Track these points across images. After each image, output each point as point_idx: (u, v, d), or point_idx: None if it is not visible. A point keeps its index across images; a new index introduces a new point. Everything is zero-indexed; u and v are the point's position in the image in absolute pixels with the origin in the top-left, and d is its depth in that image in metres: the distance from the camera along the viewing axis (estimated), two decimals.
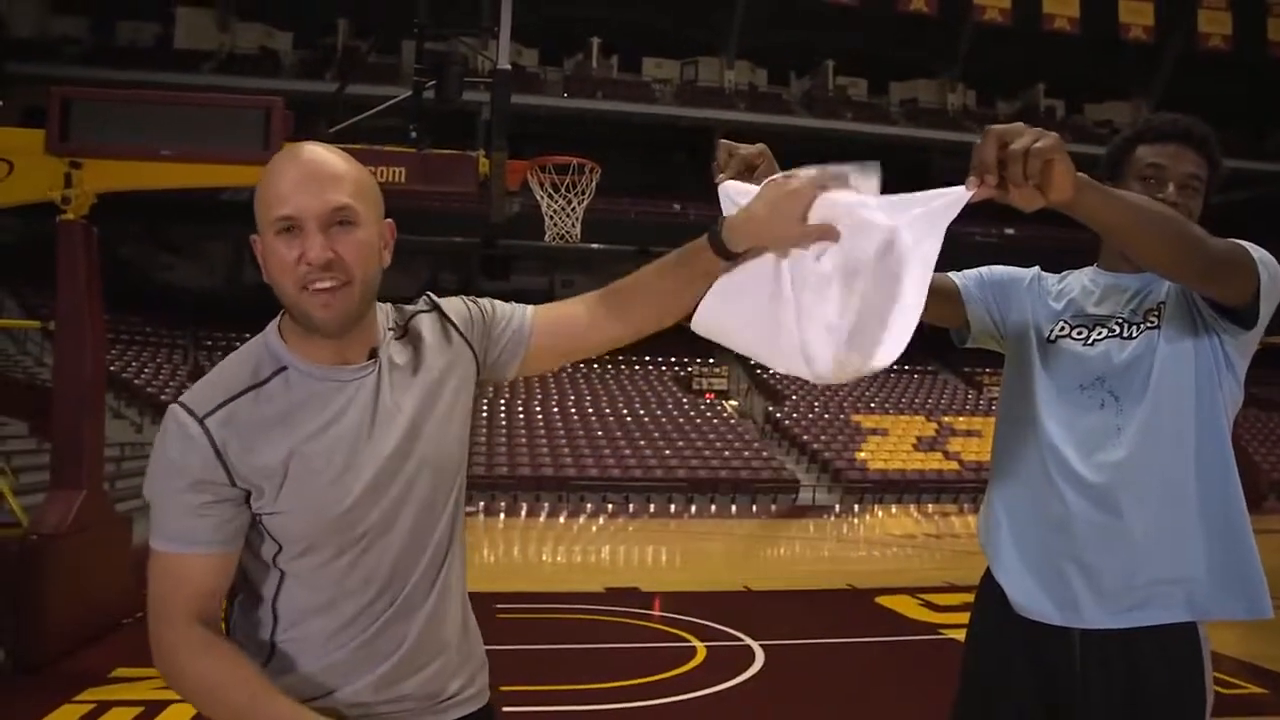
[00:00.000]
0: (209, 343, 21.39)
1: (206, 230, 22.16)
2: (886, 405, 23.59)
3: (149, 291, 23.06)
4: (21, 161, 5.36)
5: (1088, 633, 1.56)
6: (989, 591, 1.69)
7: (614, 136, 22.68)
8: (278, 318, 1.28)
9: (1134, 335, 1.59)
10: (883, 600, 7.50)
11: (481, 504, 16.92)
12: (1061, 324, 1.67)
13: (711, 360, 25.07)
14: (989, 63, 26.63)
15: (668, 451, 20.10)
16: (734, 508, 18.42)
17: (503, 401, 21.27)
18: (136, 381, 18.50)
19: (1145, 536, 1.52)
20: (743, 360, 25.53)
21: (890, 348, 1.25)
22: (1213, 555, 1.53)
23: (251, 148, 5.36)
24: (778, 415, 22.83)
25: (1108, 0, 23.80)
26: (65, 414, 5.46)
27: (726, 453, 20.43)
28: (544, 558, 11.62)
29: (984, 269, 1.80)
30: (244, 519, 1.22)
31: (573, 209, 6.43)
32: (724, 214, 1.36)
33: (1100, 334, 1.62)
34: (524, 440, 19.89)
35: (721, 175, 1.47)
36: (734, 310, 1.36)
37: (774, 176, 1.35)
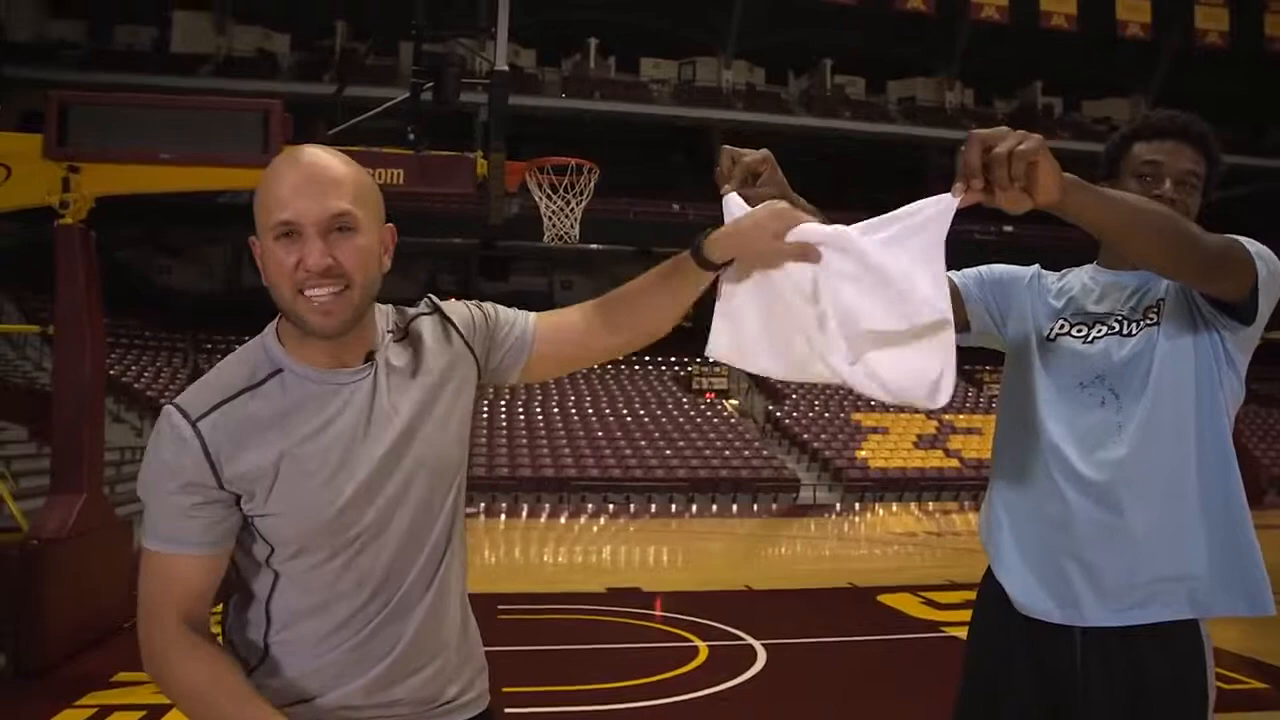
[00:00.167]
0: (208, 346, 21.39)
1: (205, 233, 22.17)
2: (886, 403, 23.56)
3: (148, 295, 23.07)
4: (19, 166, 5.35)
5: (1089, 631, 1.55)
6: (990, 590, 1.69)
7: (612, 137, 22.68)
8: (276, 320, 1.27)
9: (1133, 332, 1.59)
10: (884, 598, 7.50)
11: (482, 505, 16.92)
12: (1061, 322, 1.67)
13: (711, 360, 25.06)
14: (986, 61, 26.64)
15: (668, 451, 20.10)
16: (735, 507, 18.42)
17: (503, 402, 21.28)
18: (136, 385, 18.51)
19: (1146, 534, 1.52)
20: None
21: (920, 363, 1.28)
22: (1214, 552, 1.52)
23: (250, 150, 5.36)
24: (778, 414, 22.83)
25: None
26: (65, 418, 5.45)
27: (727, 452, 20.43)
28: (545, 558, 11.61)
29: (983, 268, 1.80)
30: (234, 521, 1.22)
31: (571, 210, 6.43)
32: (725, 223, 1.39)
33: (1100, 331, 1.62)
34: (524, 441, 19.89)
35: (726, 186, 1.48)
36: (743, 331, 1.38)
37: (774, 201, 1.37)
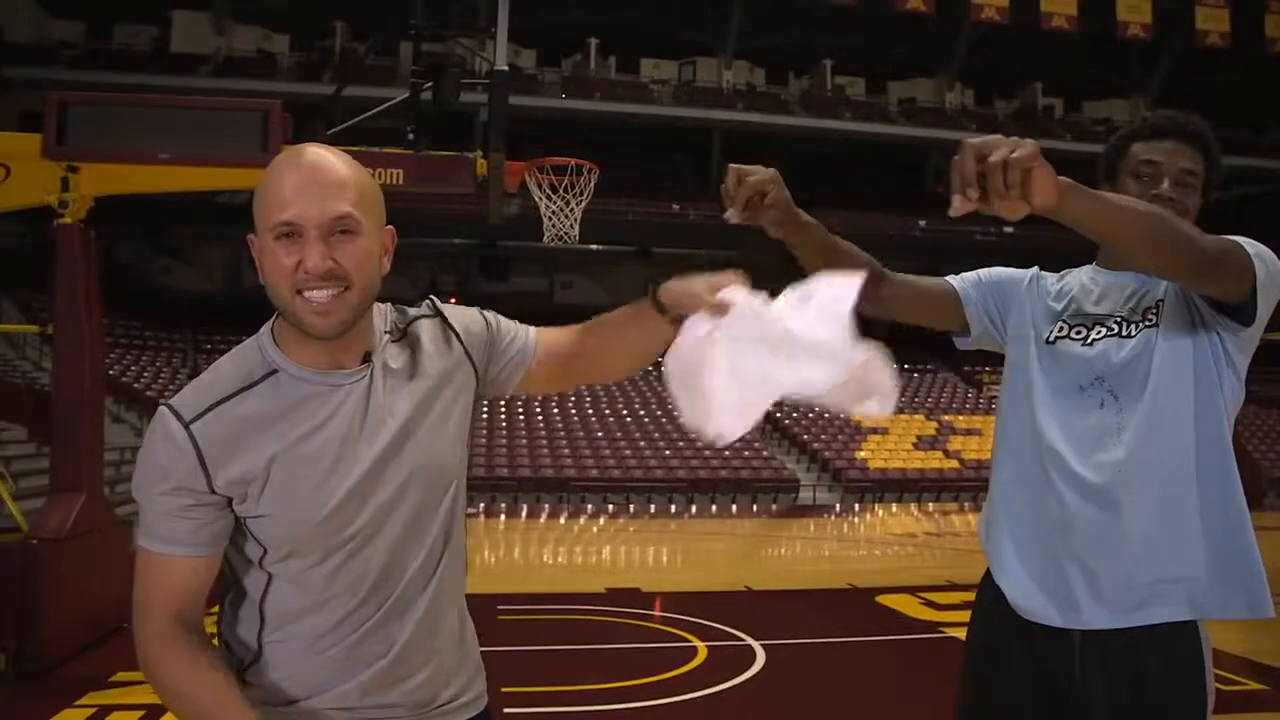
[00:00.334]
0: (208, 346, 21.38)
1: (205, 233, 22.16)
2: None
3: (148, 295, 23.05)
4: (18, 166, 5.34)
5: (1088, 633, 1.55)
6: (989, 593, 1.69)
7: (612, 137, 22.68)
8: (272, 319, 1.27)
9: (1132, 334, 1.59)
10: (884, 599, 7.50)
11: (482, 505, 16.91)
12: (1060, 324, 1.66)
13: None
14: (987, 61, 26.65)
15: (668, 452, 20.09)
16: (734, 507, 18.41)
17: (503, 403, 21.26)
18: (136, 385, 18.50)
19: (1146, 536, 1.52)
20: None
21: (737, 421, 1.29)
22: (1213, 554, 1.52)
23: (249, 150, 5.35)
24: (778, 415, 22.81)
25: None
26: (64, 418, 5.45)
27: (726, 452, 20.40)
28: (545, 559, 11.61)
29: (982, 271, 1.80)
30: (226, 523, 1.22)
31: (571, 210, 6.43)
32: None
33: (1099, 333, 1.62)
34: (524, 441, 19.88)
35: (730, 211, 1.47)
36: (689, 393, 1.36)
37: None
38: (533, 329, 1.47)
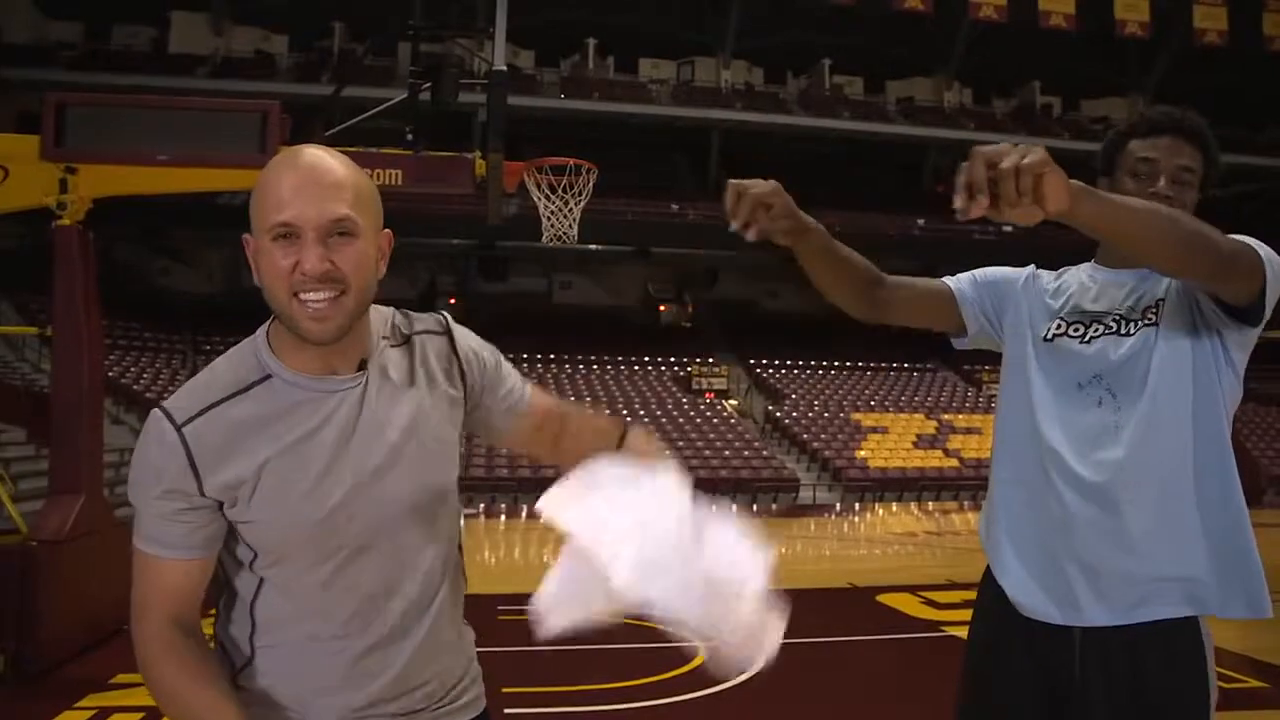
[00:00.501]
0: (207, 347, 21.37)
1: (204, 234, 22.13)
2: (886, 403, 23.60)
3: (147, 296, 23.04)
4: (16, 167, 5.34)
5: (1089, 631, 1.55)
6: (989, 591, 1.69)
7: (611, 137, 22.68)
8: (268, 322, 1.26)
9: (1131, 332, 1.58)
10: (884, 598, 7.50)
11: (481, 506, 16.91)
12: (1059, 322, 1.66)
13: (711, 360, 25.08)
14: (985, 60, 26.66)
15: (667, 452, 20.06)
16: (734, 507, 18.39)
17: None
18: (135, 387, 18.50)
19: (1145, 535, 1.52)
20: (742, 359, 25.57)
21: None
22: (1213, 553, 1.52)
23: (248, 151, 5.34)
24: (778, 414, 22.82)
25: None
26: (63, 420, 5.44)
27: (727, 452, 20.43)
28: (545, 558, 11.60)
29: (978, 271, 1.80)
30: (218, 526, 1.22)
31: (570, 210, 6.43)
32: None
33: (1097, 331, 1.61)
34: None
35: (734, 223, 1.47)
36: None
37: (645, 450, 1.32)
38: (529, 388, 1.46)
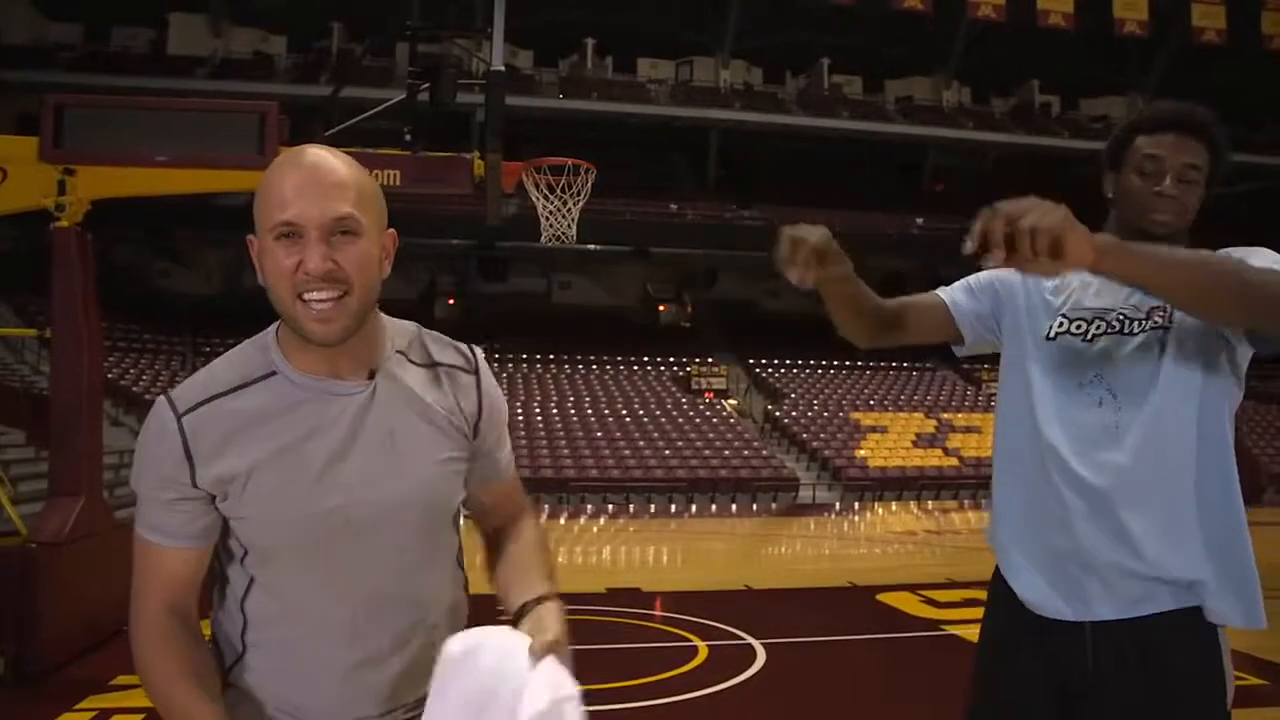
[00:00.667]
0: (207, 349, 21.36)
1: (203, 236, 22.16)
2: (886, 402, 23.61)
3: (146, 298, 23.06)
4: (15, 169, 5.33)
5: (1099, 624, 1.54)
6: (999, 591, 1.68)
7: (609, 137, 22.69)
8: (278, 321, 1.25)
9: (1135, 332, 1.56)
10: (884, 597, 7.49)
11: None
12: (1060, 319, 1.65)
13: (710, 360, 25.08)
14: (984, 59, 26.68)
15: (667, 451, 20.10)
16: (734, 507, 18.42)
17: None
18: (135, 389, 18.50)
19: (1145, 537, 1.51)
20: (742, 359, 25.58)
21: None
22: (1212, 558, 1.51)
23: (247, 152, 5.34)
24: (777, 414, 22.83)
25: None
26: (63, 422, 5.44)
27: (726, 452, 20.43)
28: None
29: (970, 277, 1.78)
30: (213, 518, 1.22)
31: (569, 210, 6.43)
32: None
33: (1099, 328, 1.60)
34: (524, 442, 19.88)
35: (791, 270, 1.46)
36: None
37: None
38: (511, 462, 1.42)
